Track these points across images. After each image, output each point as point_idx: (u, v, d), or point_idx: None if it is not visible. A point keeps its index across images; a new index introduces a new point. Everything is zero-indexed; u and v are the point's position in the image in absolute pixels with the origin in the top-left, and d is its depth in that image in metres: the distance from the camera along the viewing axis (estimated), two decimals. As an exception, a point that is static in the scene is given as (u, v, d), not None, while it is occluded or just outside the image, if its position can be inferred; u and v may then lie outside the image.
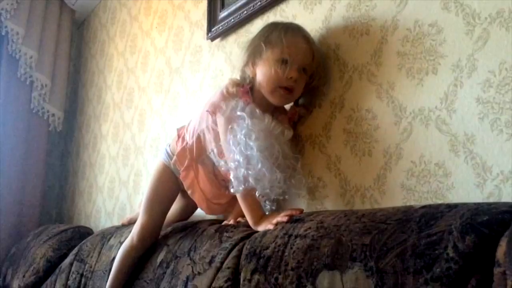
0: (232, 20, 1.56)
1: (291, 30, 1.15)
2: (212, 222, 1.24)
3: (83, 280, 1.67)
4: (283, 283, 0.81)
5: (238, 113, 1.12)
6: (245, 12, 1.50)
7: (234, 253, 0.97)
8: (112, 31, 2.69)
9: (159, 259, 1.27)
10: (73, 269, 1.77)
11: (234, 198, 1.21)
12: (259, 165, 1.06)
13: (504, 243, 0.59)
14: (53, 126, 2.93)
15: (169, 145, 1.40)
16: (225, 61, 1.61)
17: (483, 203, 0.69)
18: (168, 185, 1.37)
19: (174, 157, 1.33)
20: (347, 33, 1.15)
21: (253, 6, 1.46)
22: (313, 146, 1.20)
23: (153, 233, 1.36)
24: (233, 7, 1.56)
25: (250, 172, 1.07)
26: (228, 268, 0.95)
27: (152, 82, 2.13)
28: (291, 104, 1.24)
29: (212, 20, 1.67)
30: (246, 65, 1.19)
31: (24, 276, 2.05)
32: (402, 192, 0.95)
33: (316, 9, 1.25)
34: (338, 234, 0.79)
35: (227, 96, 1.16)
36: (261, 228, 1.03)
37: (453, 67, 0.89)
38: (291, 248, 0.85)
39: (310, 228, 0.86)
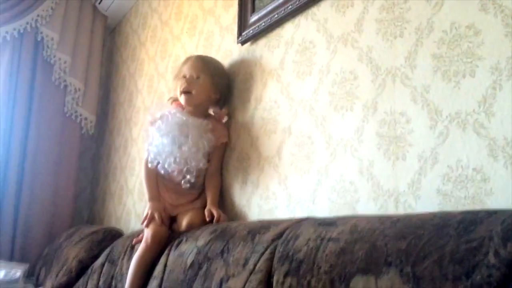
0: (263, 24, 1.56)
1: (189, 57, 1.74)
2: (244, 225, 1.25)
3: (113, 282, 1.69)
4: (316, 286, 0.81)
5: (166, 113, 1.63)
6: (276, 15, 1.50)
7: (266, 255, 0.97)
8: (143, 36, 2.74)
9: (189, 261, 1.28)
10: (104, 270, 1.80)
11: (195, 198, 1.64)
12: (160, 146, 1.58)
13: (549, 250, 0.57)
14: (86, 130, 3.00)
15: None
16: (255, 65, 1.62)
17: (525, 209, 0.67)
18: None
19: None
20: (380, 36, 1.14)
21: (284, 9, 1.46)
22: (345, 150, 1.19)
23: (165, 234, 1.54)
24: (263, 11, 1.57)
25: (155, 151, 1.59)
26: (261, 270, 0.95)
27: (182, 86, 2.15)
28: (217, 109, 1.69)
29: (242, 24, 1.68)
30: (174, 90, 1.72)
31: (57, 276, 2.10)
32: (438, 197, 0.93)
33: (348, 12, 1.25)
34: (372, 239, 0.78)
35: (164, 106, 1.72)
36: (148, 205, 1.61)
37: (491, 70, 0.87)
38: (324, 251, 0.85)
39: (343, 231, 0.85)
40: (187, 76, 1.63)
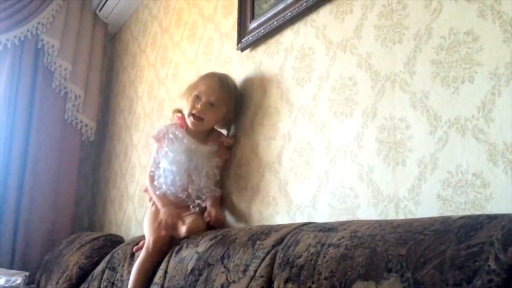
0: (262, 30, 1.57)
1: (212, 75, 1.62)
2: (245, 231, 1.25)
3: (114, 288, 1.69)
4: (317, 293, 0.81)
5: (170, 135, 1.57)
6: (275, 22, 1.51)
7: (267, 261, 0.97)
8: (143, 43, 2.75)
9: (189, 266, 1.28)
10: (104, 277, 1.80)
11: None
12: (170, 175, 1.53)
13: (549, 255, 0.57)
14: (86, 136, 3.00)
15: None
16: (255, 72, 1.63)
17: (525, 214, 0.67)
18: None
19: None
20: (379, 42, 1.14)
21: (283, 16, 1.47)
22: (345, 155, 1.19)
23: (166, 241, 1.53)
24: (263, 18, 1.58)
25: (162, 180, 1.55)
26: (262, 276, 0.94)
27: (183, 92, 2.16)
28: (225, 131, 1.68)
29: (242, 31, 1.69)
30: (182, 98, 1.63)
31: (57, 283, 2.09)
32: (438, 202, 0.93)
33: (347, 18, 1.25)
34: (372, 244, 0.78)
35: (167, 125, 1.65)
36: (161, 211, 1.53)
37: (490, 75, 0.88)
38: (324, 257, 0.85)
39: (343, 237, 0.85)
40: (203, 100, 1.54)
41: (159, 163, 1.58)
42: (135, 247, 1.68)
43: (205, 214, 1.53)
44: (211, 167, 1.54)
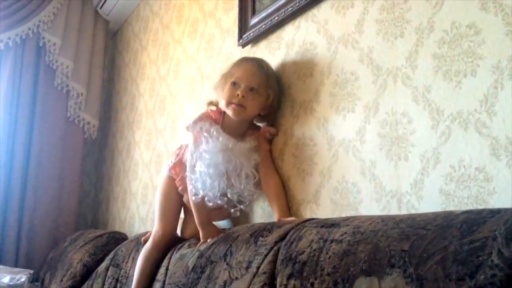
0: (263, 26, 1.56)
1: (246, 59, 1.48)
2: (247, 228, 1.25)
3: (118, 285, 1.70)
4: (320, 288, 0.80)
5: (204, 134, 1.40)
6: (276, 18, 1.50)
7: (269, 258, 0.97)
8: (144, 40, 2.75)
9: (190, 264, 1.28)
10: (109, 274, 1.81)
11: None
12: (206, 179, 1.36)
13: (553, 250, 0.56)
14: (88, 134, 3.01)
15: (171, 161, 1.60)
16: (257, 67, 1.62)
17: (528, 208, 0.67)
18: (174, 194, 1.57)
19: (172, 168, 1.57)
20: (380, 36, 1.13)
21: (284, 12, 1.46)
22: (347, 151, 1.19)
23: (171, 235, 1.54)
24: (264, 14, 1.57)
25: (199, 185, 1.37)
26: (264, 273, 0.94)
27: (184, 89, 2.16)
28: (265, 124, 1.50)
29: (243, 26, 1.69)
30: (217, 89, 1.46)
31: (61, 281, 2.10)
32: (441, 197, 0.93)
33: (349, 13, 1.25)
34: (375, 240, 0.78)
35: (202, 117, 1.45)
36: (201, 233, 1.39)
37: (493, 69, 0.87)
38: (327, 253, 0.84)
39: (346, 233, 0.85)
40: (242, 86, 1.37)
41: (194, 165, 1.40)
42: (143, 238, 1.68)
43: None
44: (251, 166, 1.38)
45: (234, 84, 1.38)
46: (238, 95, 1.36)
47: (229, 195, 1.36)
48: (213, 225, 1.43)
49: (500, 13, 0.87)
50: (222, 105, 1.41)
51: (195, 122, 1.44)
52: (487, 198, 0.84)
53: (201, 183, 1.36)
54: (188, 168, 1.42)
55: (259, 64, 1.42)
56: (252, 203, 1.45)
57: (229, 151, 1.36)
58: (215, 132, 1.39)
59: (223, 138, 1.38)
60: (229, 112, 1.39)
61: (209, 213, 1.43)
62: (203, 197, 1.36)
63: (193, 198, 1.39)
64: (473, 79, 0.90)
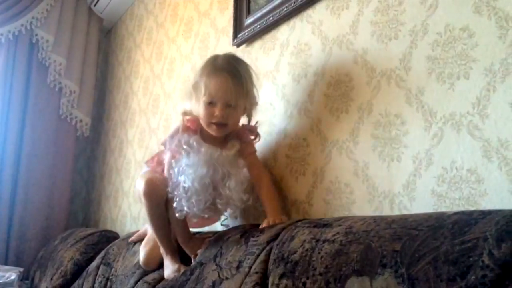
0: (258, 26, 1.56)
1: (216, 69, 1.29)
2: (238, 229, 1.24)
3: (108, 283, 1.69)
4: (311, 288, 0.81)
5: (184, 146, 1.30)
6: (271, 18, 1.50)
7: (261, 257, 0.97)
8: (138, 39, 2.74)
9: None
10: (99, 272, 1.80)
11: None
12: (191, 195, 1.26)
13: (543, 251, 0.57)
14: (81, 132, 2.99)
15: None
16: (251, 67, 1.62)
17: (519, 209, 0.67)
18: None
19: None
20: (375, 38, 1.14)
21: (279, 12, 1.46)
22: (340, 151, 1.19)
23: (162, 185, 1.39)
24: (259, 13, 1.57)
25: (184, 202, 1.27)
26: (256, 272, 0.94)
27: (178, 88, 2.15)
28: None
29: (238, 26, 1.69)
30: (190, 99, 1.35)
31: (52, 279, 2.09)
32: (433, 198, 0.93)
33: (343, 14, 1.25)
34: (367, 240, 0.78)
35: (178, 129, 1.34)
36: (187, 250, 1.36)
37: (485, 72, 0.88)
38: (319, 253, 0.85)
39: (338, 233, 0.85)
40: (219, 105, 1.26)
41: (177, 182, 1.29)
42: (131, 239, 1.66)
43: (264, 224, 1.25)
44: (239, 173, 1.30)
45: (210, 103, 1.27)
46: (216, 115, 1.27)
47: (218, 206, 1.29)
48: (196, 237, 1.38)
49: (494, 17, 0.88)
50: (202, 122, 1.32)
51: (172, 136, 1.34)
52: (478, 200, 0.85)
53: (186, 200, 1.27)
54: (170, 185, 1.30)
55: (233, 75, 1.28)
56: (243, 208, 1.36)
57: (214, 161, 1.28)
58: (195, 144, 1.30)
59: (205, 149, 1.29)
60: (210, 131, 1.31)
61: (197, 221, 1.39)
62: (187, 213, 1.29)
63: (178, 214, 1.29)
64: (466, 81, 0.91)
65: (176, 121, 2.12)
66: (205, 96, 1.27)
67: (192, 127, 1.34)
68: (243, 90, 1.29)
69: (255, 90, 1.35)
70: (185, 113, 1.38)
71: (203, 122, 1.31)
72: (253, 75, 1.36)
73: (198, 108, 1.31)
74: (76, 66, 2.96)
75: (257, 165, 1.37)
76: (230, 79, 1.27)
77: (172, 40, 2.29)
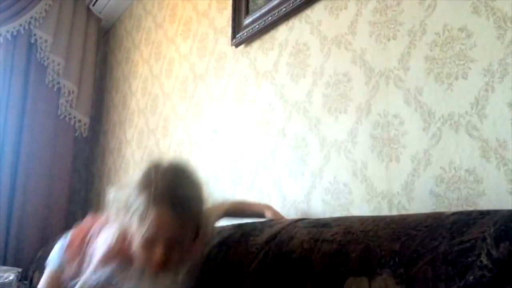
0: (257, 26, 1.57)
1: (158, 201, 0.95)
2: (237, 227, 1.24)
3: (107, 283, 1.68)
4: (310, 288, 0.81)
5: (119, 277, 0.98)
6: (270, 18, 1.50)
7: (260, 257, 0.97)
8: (137, 39, 2.73)
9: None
10: (98, 272, 1.79)
11: None
12: None
13: (541, 251, 0.57)
14: (79, 132, 2.99)
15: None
16: (249, 67, 1.62)
17: (517, 209, 0.68)
18: None
19: None
20: (373, 38, 1.14)
21: (278, 12, 1.46)
22: (339, 152, 1.19)
23: None
24: (257, 14, 1.57)
25: None
26: (255, 272, 0.94)
27: (177, 88, 2.15)
28: None
29: (236, 26, 1.69)
30: (122, 219, 1.00)
31: (50, 279, 2.08)
32: (431, 198, 0.93)
33: (342, 14, 1.25)
34: (366, 240, 0.78)
35: (110, 255, 1.01)
36: None
37: (484, 72, 0.88)
38: (318, 252, 0.85)
39: (337, 233, 0.85)
40: (158, 246, 0.93)
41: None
42: None
43: None
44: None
45: (150, 243, 0.95)
46: (156, 259, 0.95)
47: None
48: None
49: (492, 17, 0.88)
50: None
51: (104, 262, 1.01)
52: (476, 200, 0.85)
53: None
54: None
55: (174, 207, 0.94)
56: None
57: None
58: (133, 277, 1.00)
59: (141, 281, 1.00)
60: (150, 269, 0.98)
61: None
62: None
63: None
64: (464, 81, 0.91)
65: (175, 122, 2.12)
66: (143, 229, 0.95)
67: (123, 253, 1.01)
68: (190, 223, 0.98)
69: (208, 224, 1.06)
70: (117, 250, 1.03)
71: (139, 259, 0.98)
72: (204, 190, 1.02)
73: (132, 234, 0.98)
74: (74, 66, 2.96)
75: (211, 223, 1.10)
76: (171, 213, 0.95)
77: (170, 40, 2.29)
